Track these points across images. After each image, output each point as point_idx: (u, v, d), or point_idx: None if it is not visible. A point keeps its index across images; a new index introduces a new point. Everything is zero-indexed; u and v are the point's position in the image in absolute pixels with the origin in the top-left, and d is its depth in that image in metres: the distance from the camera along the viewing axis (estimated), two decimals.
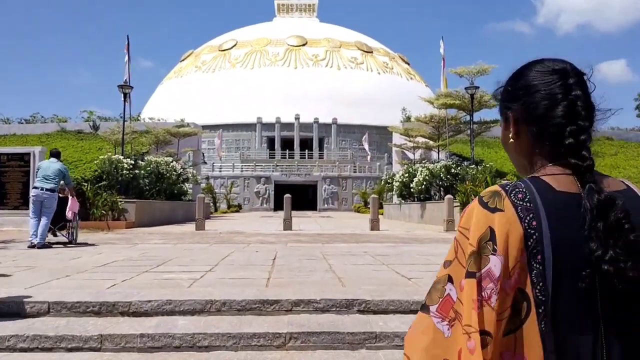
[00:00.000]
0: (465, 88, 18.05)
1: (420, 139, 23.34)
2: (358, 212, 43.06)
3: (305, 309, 4.58)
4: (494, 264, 0.97)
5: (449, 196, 16.34)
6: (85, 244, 10.38)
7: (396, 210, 24.29)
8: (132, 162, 18.17)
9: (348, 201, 49.56)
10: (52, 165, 9.99)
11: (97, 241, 11.16)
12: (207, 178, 48.84)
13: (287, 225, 15.78)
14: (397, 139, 27.80)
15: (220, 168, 51.05)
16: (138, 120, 39.06)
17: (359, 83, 62.94)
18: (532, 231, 0.98)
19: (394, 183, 24.60)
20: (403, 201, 24.07)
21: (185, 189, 23.58)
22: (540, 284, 0.98)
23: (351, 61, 66.43)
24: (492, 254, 0.97)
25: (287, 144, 58.23)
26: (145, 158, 20.30)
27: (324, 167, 52.35)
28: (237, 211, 43.18)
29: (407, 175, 23.00)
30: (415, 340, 1.03)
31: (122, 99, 17.93)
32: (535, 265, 0.98)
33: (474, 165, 18.02)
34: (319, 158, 56.31)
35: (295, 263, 7.17)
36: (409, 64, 74.81)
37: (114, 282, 5.55)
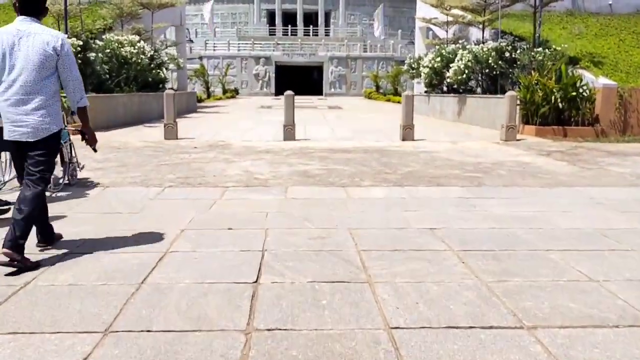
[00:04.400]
0: None
1: (458, 12, 18.28)
2: (370, 98, 38.44)
3: None
4: None
5: (511, 93, 11.88)
6: None
7: (423, 103, 19.86)
8: (81, 42, 13.52)
9: (357, 85, 44.70)
10: None
11: None
12: (200, 58, 43.58)
13: (289, 133, 11.57)
14: (423, 12, 22.53)
15: (214, 46, 45.48)
16: None
17: None
18: None
19: (420, 69, 19.90)
20: (433, 92, 19.54)
21: (162, 75, 19.01)
22: None
23: None
24: None
25: (289, 18, 51.87)
26: (104, 37, 15.56)
27: (331, 45, 46.66)
28: (233, 97, 38.64)
29: (439, 59, 18.27)
30: None
31: None
32: None
33: (540, 49, 13.32)
34: (325, 35, 50.34)
35: (302, 300, 3.22)
36: None
37: None
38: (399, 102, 30.68)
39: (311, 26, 51.11)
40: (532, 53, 13.29)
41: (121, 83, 15.64)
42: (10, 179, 6.07)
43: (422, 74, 19.59)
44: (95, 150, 4.18)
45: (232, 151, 9.83)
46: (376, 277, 3.42)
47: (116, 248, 4.01)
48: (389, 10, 50.32)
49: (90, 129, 3.97)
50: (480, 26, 17.00)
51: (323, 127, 15.08)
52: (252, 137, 12.38)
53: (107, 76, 15.00)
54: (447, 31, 19.96)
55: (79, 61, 13.56)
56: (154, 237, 4.28)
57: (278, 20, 51.87)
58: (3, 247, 3.47)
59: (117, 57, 15.26)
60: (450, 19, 19.16)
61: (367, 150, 10.00)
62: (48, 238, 4.04)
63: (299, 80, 47.06)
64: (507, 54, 14.41)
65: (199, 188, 6.41)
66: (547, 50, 13.20)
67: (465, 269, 3.57)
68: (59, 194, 5.98)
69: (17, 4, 3.67)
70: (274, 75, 44.78)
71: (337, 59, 44.85)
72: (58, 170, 5.77)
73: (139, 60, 15.98)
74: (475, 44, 17.64)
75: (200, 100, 29.29)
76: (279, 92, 44.74)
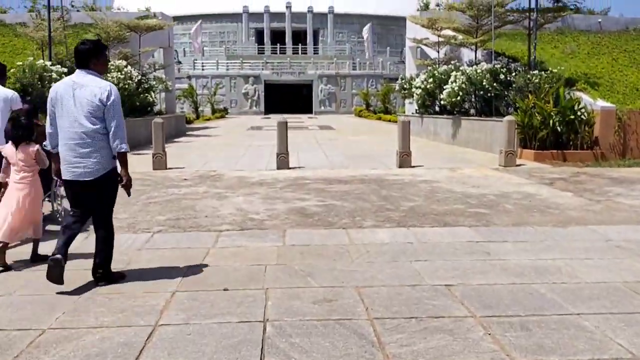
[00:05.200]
0: None
1: (449, 32, 18.10)
2: (360, 116, 38.27)
3: None
4: None
5: (509, 117, 11.62)
6: None
7: (416, 124, 19.60)
8: (66, 69, 13.10)
9: (347, 103, 44.58)
10: None
11: None
12: (189, 77, 43.28)
13: (283, 161, 11.19)
14: (413, 32, 22.39)
15: (203, 66, 45.22)
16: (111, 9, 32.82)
17: None
18: None
19: (412, 89, 19.68)
20: (425, 113, 19.31)
21: (150, 99, 18.59)
22: None
23: None
24: None
25: (277, 37, 51.81)
26: None
27: (320, 64, 46.58)
28: (222, 116, 38.29)
29: (431, 80, 18.05)
30: None
31: None
32: None
33: (536, 72, 13.10)
34: (314, 54, 50.31)
35: None
36: None
37: None
38: (390, 121, 30.52)
39: (300, 44, 51.08)
40: (528, 76, 13.06)
41: None
42: None
43: (414, 94, 19.37)
44: (129, 194, 4.39)
45: (224, 184, 9.41)
46: (395, 358, 3.01)
47: (99, 318, 3.57)
48: (377, 27, 50.43)
49: (127, 174, 4.26)
50: (473, 47, 16.82)
51: (316, 152, 14.72)
52: (244, 165, 11.97)
53: None
54: (438, 51, 19.79)
55: None
56: (142, 303, 3.84)
57: (267, 39, 51.80)
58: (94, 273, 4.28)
59: None
60: (441, 39, 19.00)
61: (365, 181, 9.63)
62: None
63: (288, 98, 46.86)
64: (501, 76, 14.19)
65: (190, 233, 5.99)
66: (543, 72, 12.97)
67: (494, 345, 3.17)
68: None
69: (75, 59, 4.27)
70: (263, 94, 44.55)
71: (326, 77, 44.75)
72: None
73: (126, 86, 15.56)
74: (468, 65, 17.45)
75: (189, 122, 28.87)
76: (268, 110, 44.47)
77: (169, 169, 11.18)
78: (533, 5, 13.71)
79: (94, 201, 4.22)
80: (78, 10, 23.38)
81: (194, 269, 4.66)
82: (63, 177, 4.19)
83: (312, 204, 7.58)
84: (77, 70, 4.21)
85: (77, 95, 4.04)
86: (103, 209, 4.29)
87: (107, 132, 4.08)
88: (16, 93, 6.13)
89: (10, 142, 4.81)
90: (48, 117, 4.18)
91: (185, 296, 4.02)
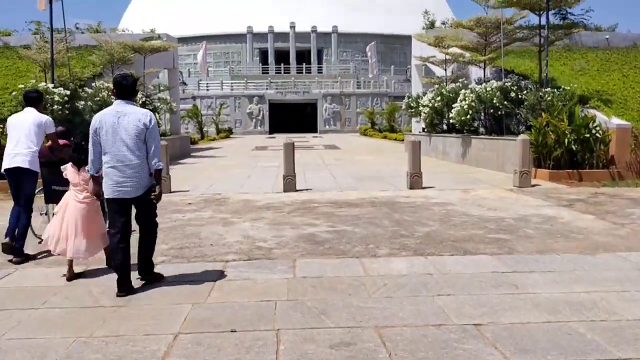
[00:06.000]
0: None
1: (457, 50, 17.88)
2: (365, 135, 38.00)
3: None
4: None
5: (523, 136, 11.29)
6: None
7: (424, 143, 19.25)
8: (69, 91, 12.88)
9: (352, 121, 44.43)
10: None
11: None
12: (194, 98, 43.29)
13: (289, 184, 10.87)
14: (419, 50, 22.22)
15: (207, 86, 45.26)
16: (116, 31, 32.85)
17: None
18: None
19: (420, 108, 19.42)
20: (433, 132, 19.01)
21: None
22: None
23: None
24: None
25: (281, 57, 51.92)
26: (93, 84, 14.95)
27: (324, 83, 46.56)
28: (227, 136, 38.13)
29: (439, 99, 17.79)
30: None
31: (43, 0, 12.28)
32: None
33: (549, 89, 12.79)
34: (318, 73, 50.34)
35: None
36: None
37: None
38: (396, 140, 30.23)
39: (304, 64, 51.14)
40: (540, 93, 12.75)
41: None
42: None
43: (422, 113, 19.10)
44: (156, 204, 4.87)
45: (230, 208, 9.08)
46: None
47: None
48: (380, 46, 50.53)
49: (160, 188, 4.77)
50: (481, 65, 16.57)
51: (323, 173, 14.39)
52: (249, 187, 11.65)
53: None
54: (445, 69, 19.56)
55: (67, 112, 12.94)
56: (141, 349, 3.49)
57: (271, 59, 51.91)
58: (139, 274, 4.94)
59: (106, 106, 14.60)
60: (448, 57, 18.77)
61: (375, 203, 9.29)
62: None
63: (293, 117, 46.79)
64: (512, 94, 13.89)
65: (195, 263, 5.64)
66: (555, 90, 12.67)
67: None
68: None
69: (115, 91, 4.71)
70: (267, 113, 44.46)
71: (330, 96, 44.66)
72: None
73: None
74: (476, 83, 17.19)
75: (193, 142, 28.68)
76: (273, 130, 44.32)
77: (173, 192, 10.86)
78: (544, 22, 13.43)
79: (142, 212, 4.81)
80: (82, 32, 23.36)
81: (199, 307, 4.31)
82: (107, 196, 4.67)
83: (322, 229, 7.24)
84: (118, 101, 4.68)
85: (122, 122, 4.55)
86: (150, 215, 4.87)
87: (146, 154, 4.62)
88: (50, 118, 6.36)
89: (70, 164, 5.22)
90: (91, 144, 4.63)
91: (189, 339, 3.66)
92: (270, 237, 6.80)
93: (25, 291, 4.83)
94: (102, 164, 4.64)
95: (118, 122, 4.55)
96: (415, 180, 10.98)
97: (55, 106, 12.18)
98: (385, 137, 33.40)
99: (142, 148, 4.59)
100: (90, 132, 4.61)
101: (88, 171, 4.78)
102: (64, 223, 5.07)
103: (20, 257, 5.86)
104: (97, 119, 4.63)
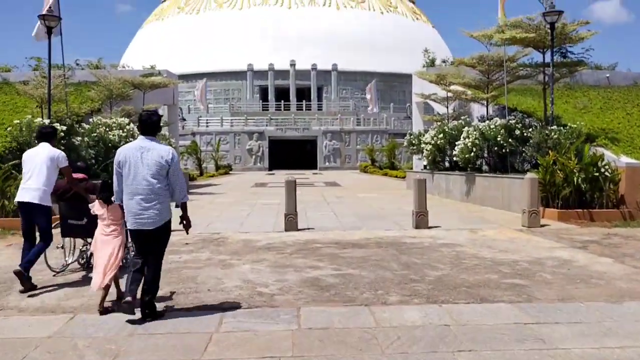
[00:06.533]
0: (544, 14, 12.35)
1: (458, 88, 17.78)
2: (365, 172, 37.79)
3: None
4: None
5: (532, 175, 10.97)
6: None
7: (427, 181, 19.00)
8: (65, 127, 12.63)
9: (352, 158, 44.31)
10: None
11: None
12: (193, 134, 43.26)
13: (291, 223, 10.49)
14: (420, 87, 22.19)
15: (207, 123, 45.30)
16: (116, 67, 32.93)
17: (361, 24, 56.45)
18: None
19: (422, 145, 19.20)
20: (436, 169, 18.73)
21: None
22: None
23: None
24: None
25: (281, 94, 52.21)
26: (90, 120, 14.72)
27: (324, 120, 46.66)
28: (226, 173, 37.86)
29: (441, 136, 17.59)
30: None
31: (40, 34, 12.13)
32: None
33: (555, 127, 12.57)
34: (318, 110, 50.55)
35: None
36: (414, 3, 67.92)
37: None
38: (397, 177, 29.97)
39: (304, 101, 51.39)
40: (546, 131, 12.52)
41: (108, 167, 14.67)
42: (73, 262, 6.98)
43: (424, 150, 18.87)
44: (187, 233, 5.38)
45: (229, 248, 8.67)
46: None
47: None
48: (380, 84, 50.90)
49: (188, 218, 5.09)
50: (484, 102, 16.43)
51: (325, 211, 14.02)
52: (249, 226, 11.25)
53: (94, 160, 14.03)
54: (447, 107, 19.45)
55: (62, 147, 12.63)
56: None
57: (271, 95, 52.19)
58: (143, 297, 4.94)
59: (104, 141, 14.36)
60: (450, 94, 18.68)
61: (381, 244, 8.89)
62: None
63: (292, 154, 46.69)
64: (517, 132, 13.66)
65: (190, 312, 5.21)
66: (562, 128, 12.44)
67: None
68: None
69: (139, 127, 5.01)
70: (267, 150, 44.36)
71: (330, 133, 44.67)
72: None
73: (128, 143, 15.09)
74: (479, 120, 17.03)
75: (192, 179, 28.37)
76: (272, 166, 44.14)
77: (171, 231, 10.43)
78: (547, 60, 13.32)
79: (154, 246, 4.97)
80: (82, 69, 23.33)
81: None
82: (129, 227, 4.95)
83: (327, 273, 6.83)
84: (141, 137, 4.96)
85: (145, 157, 4.81)
86: (160, 252, 5.08)
87: (167, 188, 4.89)
88: (62, 153, 6.44)
89: (97, 200, 5.42)
90: (115, 177, 4.92)
91: None
92: (272, 282, 6.39)
93: (3, 344, 4.40)
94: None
95: (141, 157, 4.79)
96: (421, 220, 10.61)
97: None
98: (385, 174, 33.16)
99: (162, 182, 4.84)
100: (115, 164, 4.90)
101: (114, 201, 5.12)
102: (98, 258, 5.32)
103: (25, 286, 5.93)
104: (121, 153, 4.88)
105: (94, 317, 5.06)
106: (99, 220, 5.44)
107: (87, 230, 6.31)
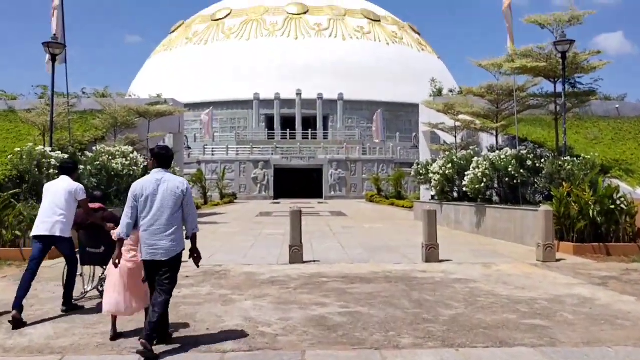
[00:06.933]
0: (555, 43, 12.17)
1: (467, 117, 17.57)
2: (372, 201, 37.40)
3: None
4: None
5: (546, 208, 10.60)
6: None
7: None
8: (67, 155, 12.42)
9: (358, 187, 43.98)
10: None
11: None
12: (199, 162, 43.16)
13: (296, 255, 10.13)
14: (427, 117, 22.03)
15: (213, 151, 45.25)
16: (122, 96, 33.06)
17: (367, 55, 56.78)
18: None
19: (430, 175, 18.89)
20: (444, 199, 18.38)
21: None
22: None
23: (357, 31, 60.07)
24: None
25: (287, 123, 52.28)
26: (94, 148, 14.54)
27: (330, 149, 46.54)
28: (231, 202, 37.58)
29: (450, 166, 17.29)
30: None
31: (50, 63, 12.02)
32: None
33: (568, 158, 12.25)
34: (324, 139, 50.48)
35: None
36: (419, 34, 68.51)
37: None
38: (403, 207, 29.57)
39: (310, 130, 51.38)
40: (559, 162, 12.20)
41: (111, 196, 14.41)
42: (91, 289, 7.06)
43: (432, 180, 18.54)
44: (198, 266, 5.36)
45: (231, 282, 8.30)
46: None
47: None
48: (386, 113, 50.89)
49: (198, 251, 5.17)
50: (493, 132, 16.17)
51: (331, 243, 13.63)
52: (253, 258, 10.88)
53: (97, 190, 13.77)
54: (455, 136, 19.20)
55: None
56: None
57: (277, 124, 52.24)
58: (140, 339, 4.68)
59: (106, 170, 14.13)
60: (458, 124, 18.45)
61: (390, 279, 8.50)
62: (164, 335, 5.08)
63: (298, 183, 46.45)
64: (529, 162, 13.34)
65: (187, 355, 4.84)
66: (575, 159, 12.12)
67: None
68: None
69: (154, 160, 5.07)
70: (272, 178, 44.13)
71: (336, 162, 44.46)
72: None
73: (131, 172, 14.86)
74: (488, 150, 16.75)
75: (197, 207, 28.08)
76: (278, 195, 43.84)
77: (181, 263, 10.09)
78: (559, 90, 13.08)
79: (165, 278, 4.91)
80: (89, 97, 23.33)
81: None
82: (143, 258, 4.93)
83: (334, 311, 6.44)
84: (156, 169, 5.04)
85: (162, 189, 4.91)
86: (172, 282, 4.99)
87: (181, 218, 4.98)
88: (81, 186, 6.61)
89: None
90: (130, 209, 4.90)
91: None
92: (275, 320, 6.01)
93: None
94: (133, 228, 4.94)
95: (158, 189, 4.90)
96: (431, 253, 10.22)
97: (52, 170, 11.64)
98: (392, 204, 32.77)
99: (177, 213, 4.94)
100: (130, 197, 4.92)
101: (119, 235, 4.97)
102: (108, 279, 5.28)
103: (68, 306, 6.37)
104: (139, 186, 4.92)
105: (85, 358, 4.70)
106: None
107: (104, 258, 6.55)
